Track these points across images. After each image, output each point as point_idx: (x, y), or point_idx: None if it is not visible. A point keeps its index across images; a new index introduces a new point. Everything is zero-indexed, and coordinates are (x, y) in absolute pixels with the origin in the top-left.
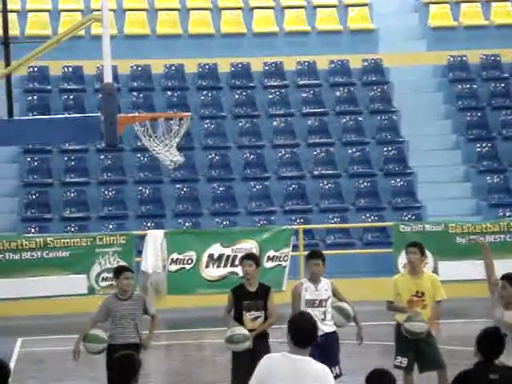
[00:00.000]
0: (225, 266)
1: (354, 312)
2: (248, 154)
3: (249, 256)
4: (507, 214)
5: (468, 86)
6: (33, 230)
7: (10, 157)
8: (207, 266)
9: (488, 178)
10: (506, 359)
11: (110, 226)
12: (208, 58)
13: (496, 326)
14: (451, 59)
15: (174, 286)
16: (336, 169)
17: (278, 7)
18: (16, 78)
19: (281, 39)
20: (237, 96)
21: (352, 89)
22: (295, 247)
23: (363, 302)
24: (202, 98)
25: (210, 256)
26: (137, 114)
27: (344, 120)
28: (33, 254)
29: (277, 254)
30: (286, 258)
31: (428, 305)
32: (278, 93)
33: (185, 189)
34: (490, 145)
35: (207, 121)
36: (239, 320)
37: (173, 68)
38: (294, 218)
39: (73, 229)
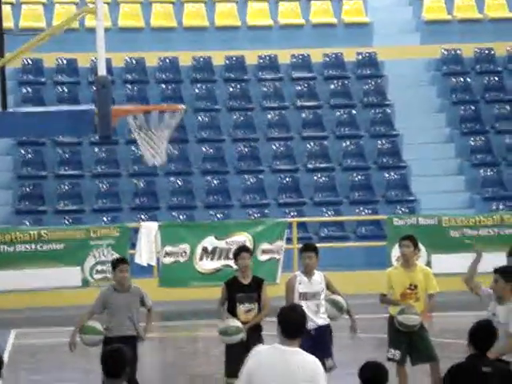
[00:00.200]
0: (219, 258)
1: (347, 305)
2: (242, 147)
3: (247, 249)
4: (500, 207)
5: (462, 79)
6: (27, 223)
7: (3, 149)
8: (201, 259)
9: (481, 171)
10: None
11: (104, 219)
12: (202, 50)
13: (488, 318)
14: (445, 52)
15: (167, 278)
16: (330, 162)
17: (272, 0)
18: (10, 70)
19: (275, 32)
20: (231, 89)
21: (346, 82)
22: (289, 240)
23: (357, 294)
24: (197, 90)
25: (204, 249)
26: (130, 107)
27: (338, 113)
28: (27, 246)
29: (271, 246)
30: (279, 251)
31: (421, 298)
32: (272, 86)
33: (179, 181)
34: (483, 138)
35: (201, 113)
36: (233, 312)
37: (167, 61)
38: (287, 211)
39: (67, 221)
